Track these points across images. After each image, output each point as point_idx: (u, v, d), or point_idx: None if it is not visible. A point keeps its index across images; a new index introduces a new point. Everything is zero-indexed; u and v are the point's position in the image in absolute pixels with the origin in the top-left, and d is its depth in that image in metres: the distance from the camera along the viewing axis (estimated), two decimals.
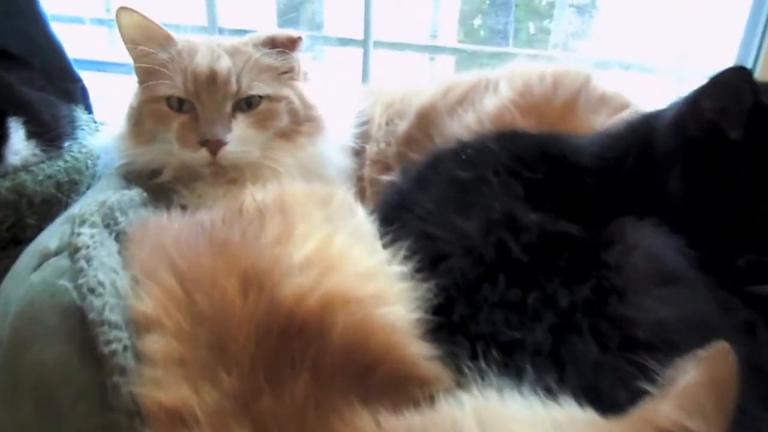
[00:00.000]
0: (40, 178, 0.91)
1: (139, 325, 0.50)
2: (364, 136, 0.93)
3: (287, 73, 0.88)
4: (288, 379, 0.46)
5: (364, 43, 1.27)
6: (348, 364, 0.48)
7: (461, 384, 0.50)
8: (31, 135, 0.94)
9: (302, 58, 0.90)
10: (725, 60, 1.24)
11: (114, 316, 0.50)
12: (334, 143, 0.91)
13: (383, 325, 0.51)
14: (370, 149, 0.92)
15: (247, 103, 0.84)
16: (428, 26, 1.47)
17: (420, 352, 0.52)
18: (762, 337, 0.56)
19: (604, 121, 0.86)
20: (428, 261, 0.60)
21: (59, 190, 0.92)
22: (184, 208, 0.80)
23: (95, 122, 1.17)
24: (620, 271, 0.57)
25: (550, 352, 0.52)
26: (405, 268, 0.57)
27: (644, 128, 0.72)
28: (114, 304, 0.49)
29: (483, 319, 0.56)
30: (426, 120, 0.90)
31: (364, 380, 0.48)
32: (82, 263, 0.51)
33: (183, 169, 0.85)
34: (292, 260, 0.53)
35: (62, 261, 0.54)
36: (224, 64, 0.83)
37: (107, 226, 0.60)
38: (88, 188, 0.99)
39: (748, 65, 1.16)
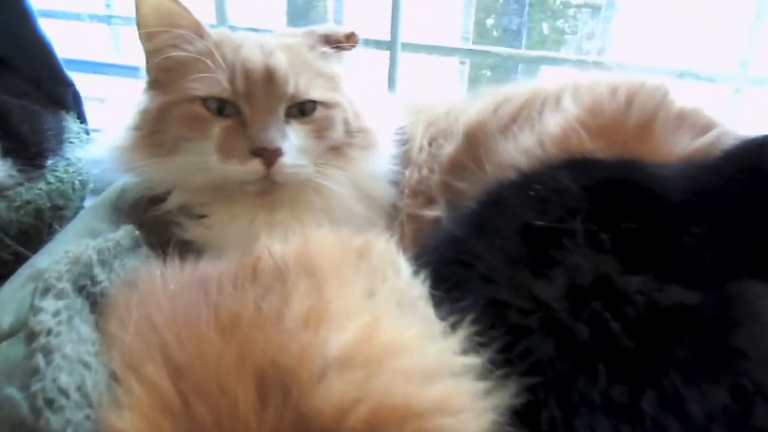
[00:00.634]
0: (17, 204, 0.79)
1: None
2: (403, 160, 0.78)
3: (337, 77, 0.75)
4: None
5: (391, 45, 1.13)
6: None
7: None
8: (6, 152, 0.81)
9: (354, 57, 0.78)
10: None
11: None
12: (386, 161, 0.77)
13: None
14: (410, 176, 0.76)
15: (300, 110, 0.71)
16: (459, 28, 1.33)
17: None
18: None
19: (686, 145, 0.71)
20: (501, 340, 0.46)
21: (39, 218, 0.80)
22: (185, 245, 0.67)
23: (87, 133, 1.03)
24: (763, 365, 0.43)
25: None
26: (474, 358, 0.42)
27: (751, 158, 0.59)
28: (79, 422, 0.35)
29: (581, 428, 0.42)
30: (474, 141, 0.75)
31: None
32: (39, 360, 0.37)
33: (202, 193, 0.71)
34: (327, 354, 0.39)
35: (15, 349, 0.40)
36: (281, 60, 0.69)
37: (81, 289, 0.46)
38: (75, 213, 0.86)
39: None
